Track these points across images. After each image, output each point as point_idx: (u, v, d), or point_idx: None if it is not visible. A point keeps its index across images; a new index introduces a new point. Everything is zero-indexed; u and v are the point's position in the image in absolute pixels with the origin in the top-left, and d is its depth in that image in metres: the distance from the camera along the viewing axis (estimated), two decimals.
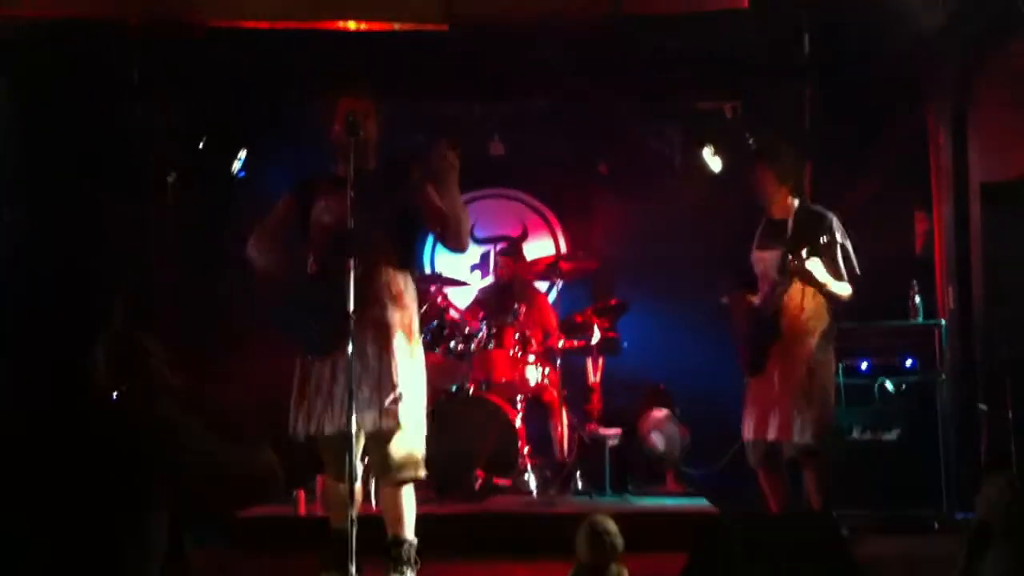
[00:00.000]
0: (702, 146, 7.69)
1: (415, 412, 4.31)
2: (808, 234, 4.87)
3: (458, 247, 4.49)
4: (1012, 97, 6.48)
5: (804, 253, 4.77)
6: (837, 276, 4.92)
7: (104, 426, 2.44)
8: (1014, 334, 6.29)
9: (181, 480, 2.46)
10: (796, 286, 4.94)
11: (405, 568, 4.30)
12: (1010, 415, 5.98)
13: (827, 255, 4.86)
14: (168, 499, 2.44)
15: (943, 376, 5.98)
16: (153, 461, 2.41)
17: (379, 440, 4.28)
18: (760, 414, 4.98)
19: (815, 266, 4.82)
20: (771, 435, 4.93)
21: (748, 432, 5.04)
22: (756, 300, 5.10)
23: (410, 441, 4.30)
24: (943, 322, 6.17)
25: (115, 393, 2.54)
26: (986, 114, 6.64)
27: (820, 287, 4.90)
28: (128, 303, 5.73)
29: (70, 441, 2.38)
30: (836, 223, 4.98)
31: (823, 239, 4.82)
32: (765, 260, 5.06)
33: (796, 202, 5.08)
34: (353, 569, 4.22)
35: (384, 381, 4.22)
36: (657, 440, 6.94)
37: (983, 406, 6.20)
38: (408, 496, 4.34)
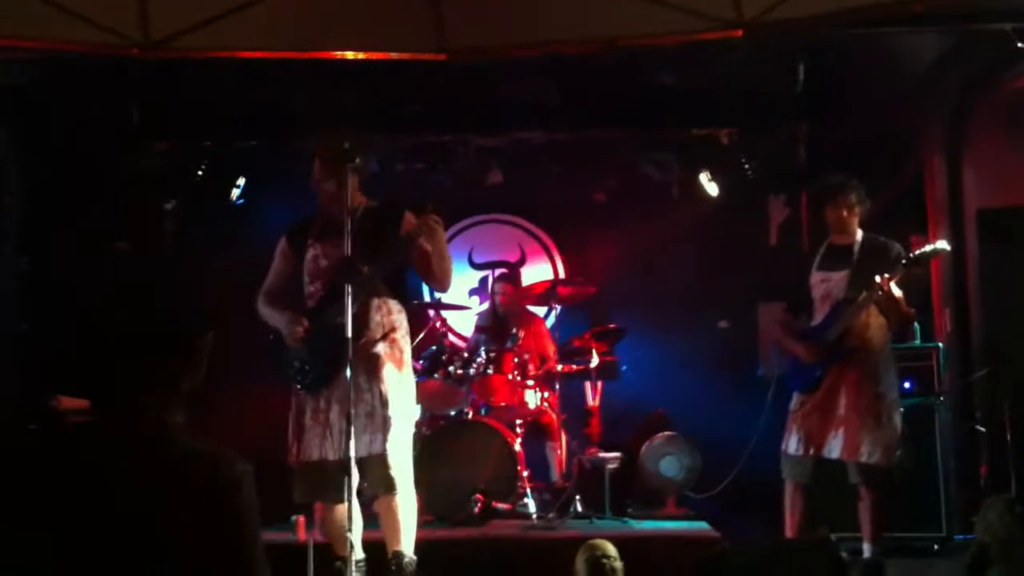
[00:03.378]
0: (698, 172, 7.74)
1: (404, 434, 4.48)
2: (882, 259, 5.05)
3: (441, 289, 4.87)
4: (1006, 126, 6.54)
5: (886, 277, 4.90)
6: (908, 301, 5.10)
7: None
8: (1011, 358, 6.32)
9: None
10: (860, 303, 5.03)
11: None
12: (1009, 438, 6.00)
13: (898, 281, 4.98)
14: None
15: (941, 399, 5.99)
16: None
17: (375, 461, 4.40)
18: (817, 431, 5.01)
19: (895, 290, 4.96)
20: (834, 454, 4.96)
21: (797, 447, 5.05)
22: (815, 320, 5.16)
23: (403, 457, 4.44)
24: (941, 345, 6.20)
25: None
26: (981, 142, 6.70)
27: (899, 310, 5.05)
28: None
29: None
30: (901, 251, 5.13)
31: (900, 264, 4.98)
32: (831, 282, 5.15)
33: (860, 230, 5.18)
34: None
35: (376, 408, 4.38)
36: (663, 464, 6.94)
37: (982, 428, 6.22)
38: (405, 509, 4.45)
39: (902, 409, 5.78)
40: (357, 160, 4.39)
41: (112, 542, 2.24)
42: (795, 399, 5.17)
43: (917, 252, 5.04)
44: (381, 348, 4.45)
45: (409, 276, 4.70)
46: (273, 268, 4.74)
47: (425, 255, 4.45)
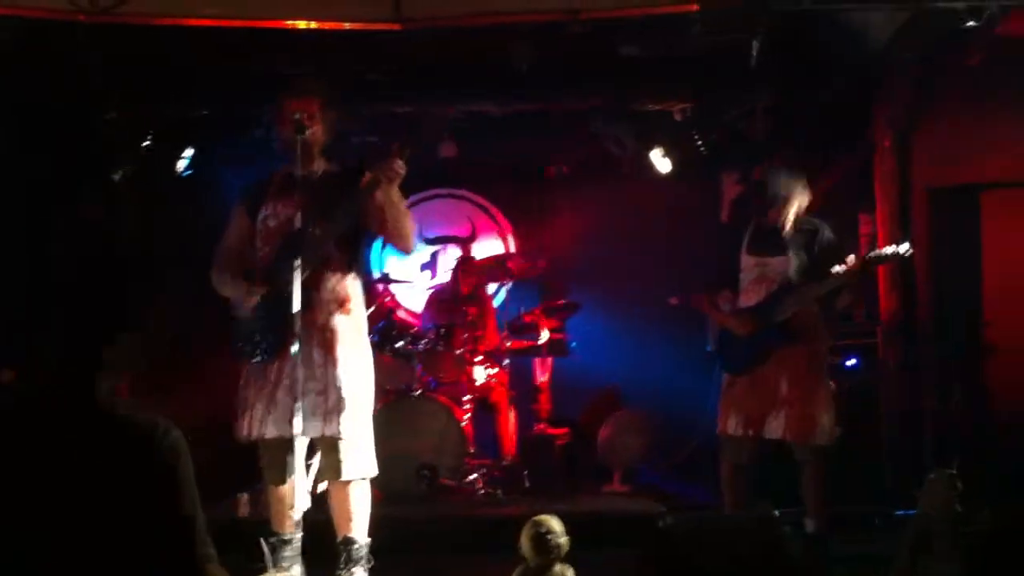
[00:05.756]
0: (651, 148, 7.73)
1: (362, 415, 4.31)
2: (821, 243, 5.07)
3: (405, 248, 4.56)
4: (957, 105, 6.58)
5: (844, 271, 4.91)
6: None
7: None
8: (956, 336, 6.39)
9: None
10: (805, 291, 5.02)
11: (355, 568, 4.29)
12: (952, 415, 6.07)
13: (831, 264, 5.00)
14: None
15: (886, 376, 6.04)
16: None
17: (327, 444, 4.28)
18: (758, 412, 5.01)
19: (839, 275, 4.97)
20: (776, 434, 4.96)
21: (735, 428, 5.05)
22: (746, 301, 5.15)
23: (359, 441, 4.30)
24: (887, 323, 6.24)
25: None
26: (931, 120, 6.74)
27: (843, 295, 5.07)
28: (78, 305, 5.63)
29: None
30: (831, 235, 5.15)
31: (827, 247, 5.02)
32: (767, 266, 5.12)
33: (793, 213, 5.16)
34: (299, 570, 4.22)
35: (330, 387, 4.22)
36: (611, 444, 6.95)
37: (926, 405, 6.29)
38: (358, 496, 4.34)
39: (847, 385, 5.87)
40: (308, 132, 4.26)
41: (52, 514, 2.20)
42: (726, 378, 5.16)
43: (878, 253, 5.01)
44: (336, 320, 4.27)
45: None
46: (227, 233, 4.50)
47: (380, 211, 4.24)
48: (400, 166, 4.20)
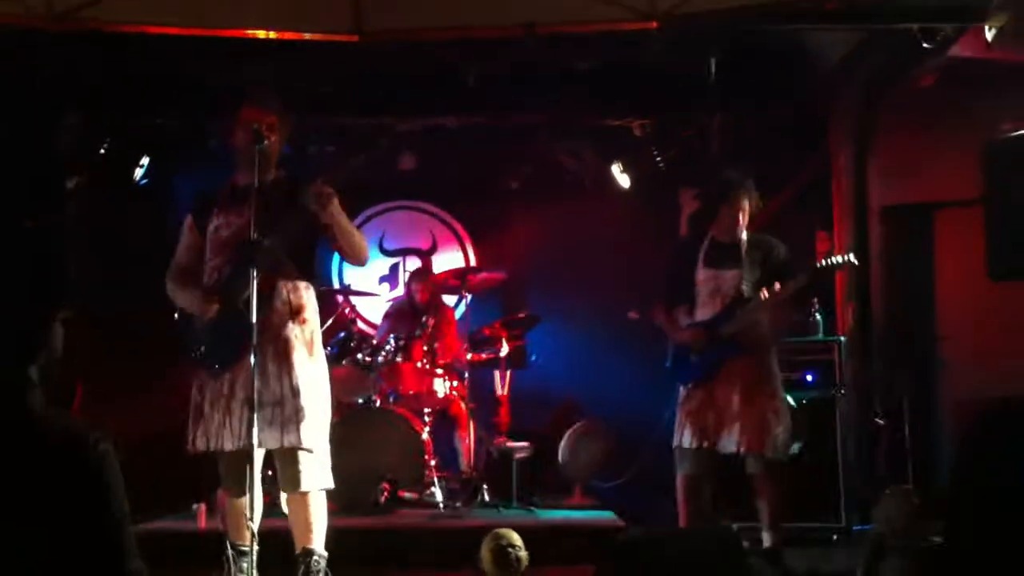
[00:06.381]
0: (611, 163, 7.78)
1: (318, 426, 4.27)
2: (769, 259, 5.13)
3: (357, 263, 4.55)
4: (911, 123, 6.68)
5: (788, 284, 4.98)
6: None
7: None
8: (911, 352, 6.47)
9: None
10: (756, 304, 5.06)
11: None
12: (907, 431, 6.14)
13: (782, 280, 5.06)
14: None
15: (842, 391, 6.11)
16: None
17: (283, 455, 4.23)
18: (711, 425, 5.04)
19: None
20: (730, 448, 4.98)
21: (691, 441, 5.07)
22: (702, 315, 5.19)
23: (315, 453, 4.26)
24: (842, 339, 6.31)
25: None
26: (886, 139, 6.84)
27: (788, 315, 5.17)
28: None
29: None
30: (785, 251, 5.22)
31: (804, 273, 5.05)
32: (721, 279, 5.16)
33: (745, 227, 5.21)
34: None
35: (286, 397, 4.17)
36: (573, 453, 6.96)
37: (881, 420, 6.36)
38: (316, 507, 4.30)
39: (804, 401, 5.92)
40: (266, 142, 4.24)
41: None
42: (682, 391, 5.19)
43: (823, 263, 5.12)
44: (291, 331, 4.24)
45: (320, 264, 4.56)
46: (180, 245, 4.47)
47: (328, 228, 4.22)
48: (325, 192, 4.13)
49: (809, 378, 6.10)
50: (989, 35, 5.45)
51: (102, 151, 7.15)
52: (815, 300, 6.25)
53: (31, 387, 2.33)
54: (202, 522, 5.65)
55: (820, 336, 6.28)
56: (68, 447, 2.26)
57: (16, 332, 2.40)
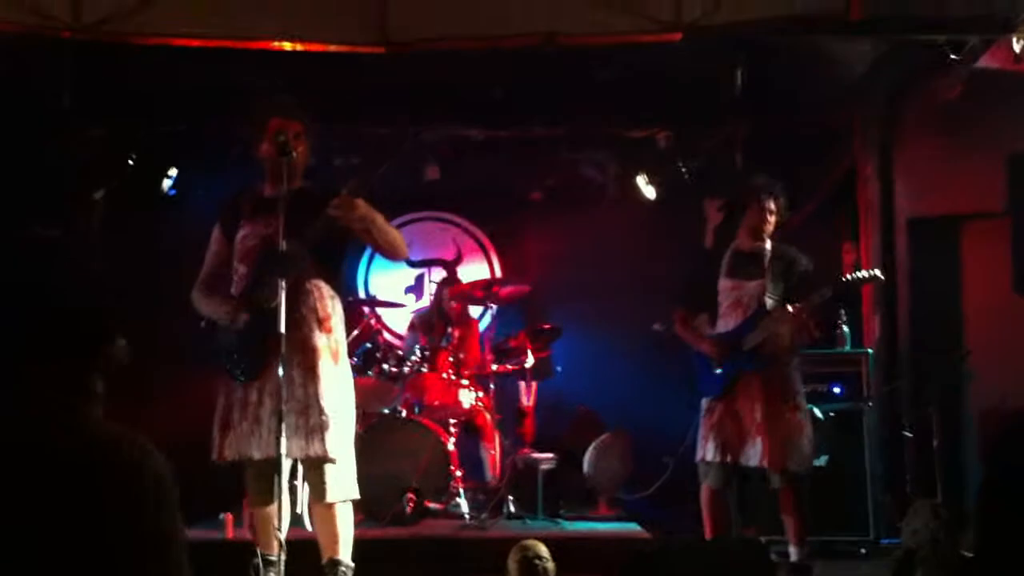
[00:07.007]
0: (635, 174, 7.78)
1: (344, 435, 4.29)
2: (791, 270, 5.12)
3: (395, 258, 4.60)
4: (936, 135, 6.65)
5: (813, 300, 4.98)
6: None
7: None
8: (938, 364, 6.43)
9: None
10: (779, 315, 5.04)
11: None
12: (935, 443, 6.10)
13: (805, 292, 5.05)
14: None
15: (870, 404, 6.07)
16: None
17: (310, 464, 4.25)
18: (733, 439, 5.01)
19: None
20: (752, 461, 4.96)
21: (714, 454, 5.05)
22: (723, 326, 5.17)
23: (341, 463, 4.27)
24: (870, 351, 6.28)
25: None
26: (912, 150, 6.81)
27: (809, 331, 5.10)
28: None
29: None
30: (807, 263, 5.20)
31: (830, 286, 5.03)
32: (743, 290, 5.14)
33: (769, 239, 5.20)
34: None
35: (311, 406, 4.19)
36: (598, 465, 6.94)
37: (909, 433, 6.32)
38: (343, 517, 4.31)
39: (831, 413, 5.89)
40: (293, 153, 4.25)
41: (26, 538, 2.17)
42: (705, 404, 5.17)
43: (848, 278, 5.10)
44: (317, 340, 4.26)
45: (345, 275, 4.58)
46: (208, 255, 4.51)
47: (362, 234, 4.26)
48: (346, 201, 4.10)
49: (836, 390, 6.07)
50: (1017, 47, 5.43)
51: (130, 162, 7.21)
52: (842, 312, 6.22)
53: (95, 400, 2.35)
54: (229, 532, 5.67)
55: (848, 348, 6.25)
56: (122, 457, 2.27)
57: (82, 343, 2.41)
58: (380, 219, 4.29)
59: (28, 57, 6.06)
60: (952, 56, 5.74)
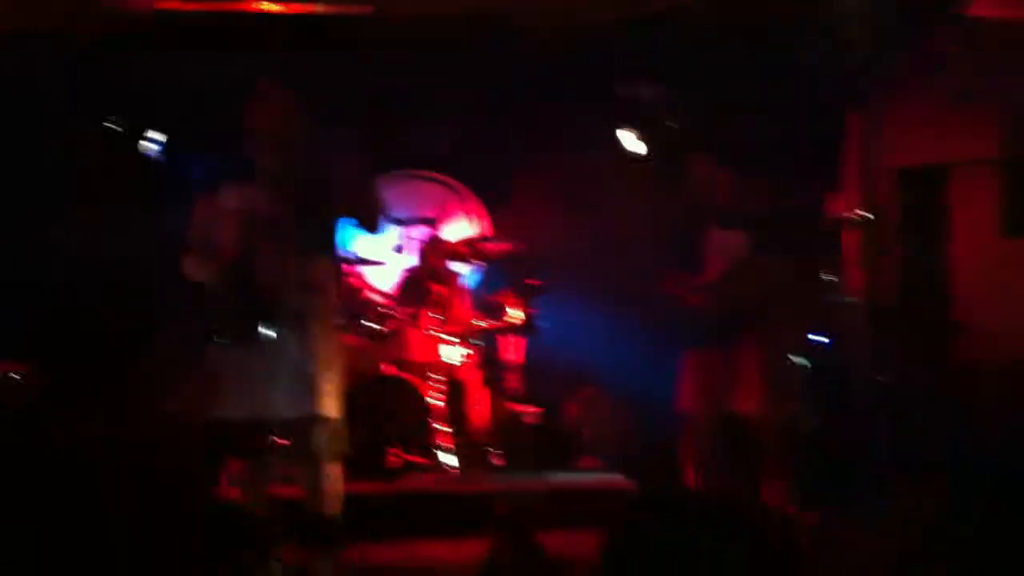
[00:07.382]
0: (624, 131, 7.72)
1: (334, 394, 4.35)
2: (780, 218, 5.16)
3: (371, 230, 4.66)
4: (927, 83, 6.62)
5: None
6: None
7: None
8: (925, 317, 6.43)
9: None
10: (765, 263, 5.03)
11: (327, 548, 4.30)
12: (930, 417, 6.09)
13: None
14: None
15: (856, 357, 6.06)
16: None
17: (299, 424, 4.28)
18: (721, 389, 5.01)
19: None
20: (740, 412, 4.96)
21: (705, 407, 5.05)
22: (707, 277, 5.16)
23: (331, 422, 4.33)
24: (856, 302, 6.26)
25: None
26: (900, 101, 6.77)
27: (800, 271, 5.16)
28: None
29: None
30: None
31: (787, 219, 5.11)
32: (727, 240, 5.15)
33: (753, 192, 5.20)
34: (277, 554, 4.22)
35: (301, 367, 4.24)
36: (583, 419, 6.95)
37: (893, 385, 6.32)
38: (331, 475, 4.35)
39: (817, 366, 5.88)
40: (283, 122, 4.30)
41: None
42: (689, 356, 5.17)
43: (834, 221, 5.09)
44: (307, 302, 4.31)
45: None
46: (196, 221, 4.55)
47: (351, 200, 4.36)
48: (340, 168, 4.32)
49: (825, 343, 6.06)
50: None
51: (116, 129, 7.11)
52: (829, 261, 6.21)
53: None
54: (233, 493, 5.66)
55: (835, 300, 6.23)
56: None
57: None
58: (370, 187, 4.48)
59: (28, 57, 5.99)
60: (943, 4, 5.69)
